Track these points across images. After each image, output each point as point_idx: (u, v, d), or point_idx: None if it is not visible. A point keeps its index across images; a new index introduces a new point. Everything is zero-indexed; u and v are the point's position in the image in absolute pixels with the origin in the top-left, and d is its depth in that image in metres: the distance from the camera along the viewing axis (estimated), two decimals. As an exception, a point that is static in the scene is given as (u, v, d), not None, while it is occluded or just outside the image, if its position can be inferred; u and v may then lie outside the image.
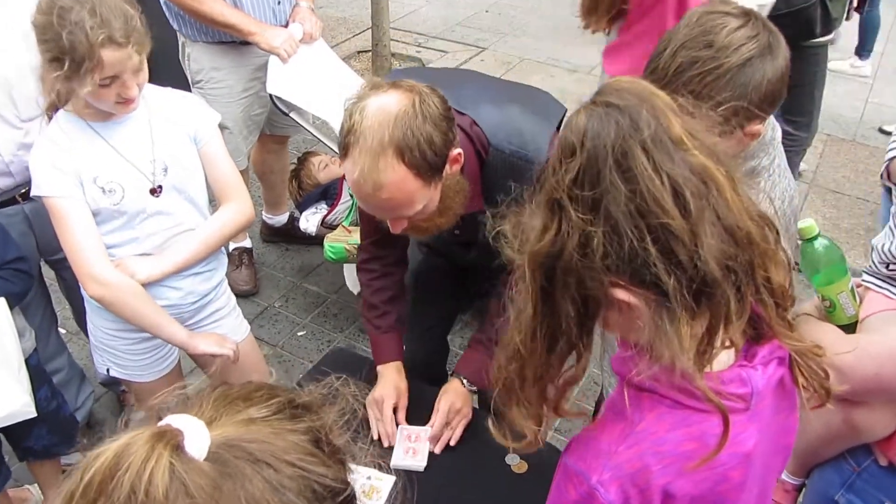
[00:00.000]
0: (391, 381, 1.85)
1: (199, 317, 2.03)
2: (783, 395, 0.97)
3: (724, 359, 0.91)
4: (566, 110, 1.64)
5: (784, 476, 1.66)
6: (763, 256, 0.86)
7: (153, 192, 1.80)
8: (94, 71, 1.57)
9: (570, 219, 0.82)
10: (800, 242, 1.39)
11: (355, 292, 3.14)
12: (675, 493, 0.89)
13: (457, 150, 1.44)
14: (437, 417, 1.75)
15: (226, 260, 2.09)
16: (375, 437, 1.76)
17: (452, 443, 1.75)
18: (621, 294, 0.83)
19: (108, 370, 2.03)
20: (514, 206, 0.92)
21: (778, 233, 0.89)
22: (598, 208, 0.81)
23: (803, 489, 1.65)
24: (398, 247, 1.91)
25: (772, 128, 1.39)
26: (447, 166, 1.42)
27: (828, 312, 1.48)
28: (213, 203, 2.00)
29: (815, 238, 1.43)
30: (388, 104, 1.34)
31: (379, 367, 1.89)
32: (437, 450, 1.73)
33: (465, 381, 1.83)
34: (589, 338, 0.90)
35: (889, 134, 3.62)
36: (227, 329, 2.08)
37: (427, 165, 1.36)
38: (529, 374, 0.91)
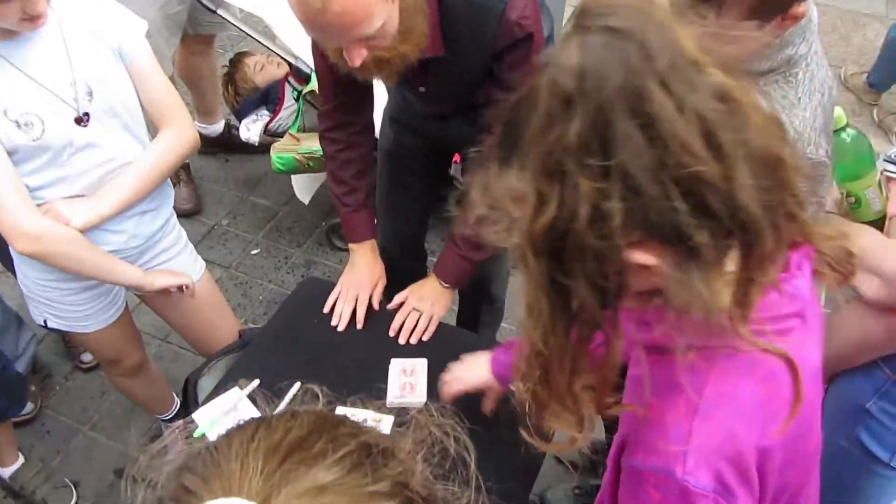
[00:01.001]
0: (366, 263, 1.80)
1: (145, 258, 1.80)
2: (813, 291, 0.87)
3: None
4: None
5: None
6: (791, 172, 0.73)
7: (78, 121, 1.52)
8: None
9: (578, 189, 0.66)
10: None
11: (306, 202, 2.93)
12: (769, 446, 0.79)
13: None
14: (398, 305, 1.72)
15: (172, 192, 1.84)
16: (334, 318, 1.71)
17: (425, 337, 1.70)
18: (640, 257, 0.69)
19: (45, 321, 1.81)
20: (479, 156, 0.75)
21: (782, 124, 0.78)
22: (612, 171, 0.66)
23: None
24: (364, 111, 1.78)
25: (810, 9, 1.22)
26: None
27: (851, 209, 1.37)
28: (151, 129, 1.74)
29: (843, 129, 1.30)
30: None
31: (351, 247, 1.83)
32: (401, 340, 1.69)
33: (441, 282, 1.78)
34: (617, 317, 0.75)
35: None
36: (180, 269, 1.86)
37: None
38: (557, 376, 0.78)
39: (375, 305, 1.75)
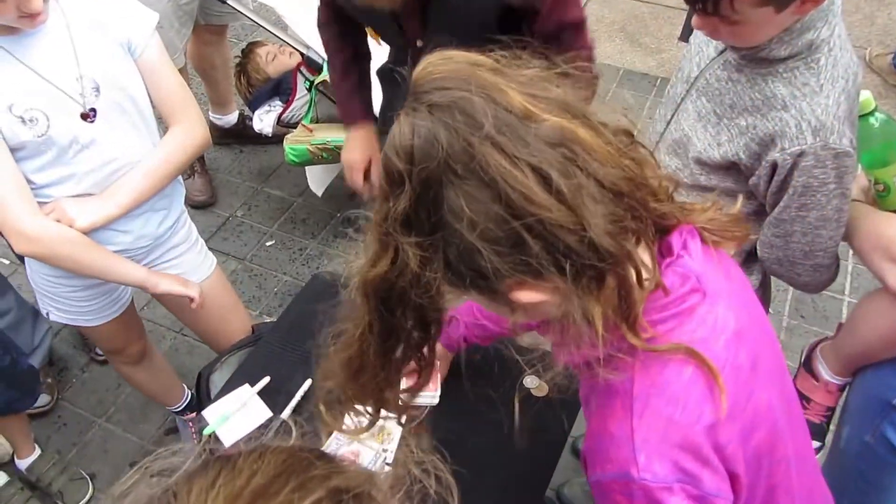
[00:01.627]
0: (359, 143, 1.87)
1: (153, 256, 1.78)
2: (718, 260, 0.88)
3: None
4: None
5: (826, 376, 1.56)
6: (646, 181, 0.78)
7: (85, 116, 1.49)
8: None
9: (404, 256, 0.74)
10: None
11: (319, 194, 2.92)
12: (713, 421, 0.79)
13: None
14: None
15: (183, 191, 1.81)
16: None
17: None
18: (526, 296, 0.75)
19: (48, 314, 1.81)
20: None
21: (632, 135, 0.80)
22: (440, 232, 0.72)
23: (846, 389, 1.56)
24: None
25: None
26: None
27: (878, 196, 1.32)
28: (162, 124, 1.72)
29: (871, 113, 1.26)
30: None
31: (348, 129, 1.90)
32: None
33: None
34: (432, 353, 0.86)
35: None
36: (189, 266, 1.84)
37: None
38: (366, 383, 0.89)
39: (374, 178, 1.87)
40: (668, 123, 1.41)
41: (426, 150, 0.70)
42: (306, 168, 2.88)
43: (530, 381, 1.54)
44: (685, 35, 3.63)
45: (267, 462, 0.51)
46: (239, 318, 1.99)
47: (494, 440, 1.47)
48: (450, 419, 1.50)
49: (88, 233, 1.56)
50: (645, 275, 0.77)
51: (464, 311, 1.43)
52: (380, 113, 2.02)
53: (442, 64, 0.74)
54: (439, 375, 1.55)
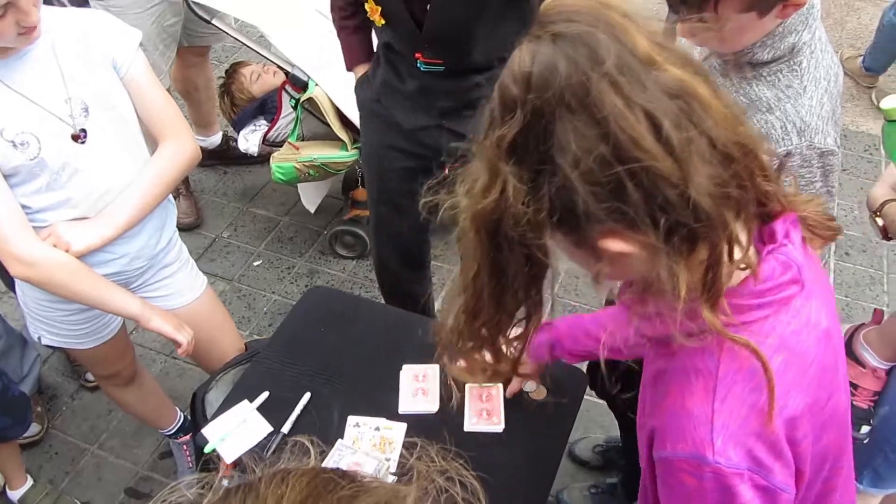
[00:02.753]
0: None
1: (146, 277, 1.77)
2: (809, 255, 0.88)
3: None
4: None
5: (874, 362, 1.60)
6: (757, 154, 0.76)
7: (76, 138, 1.49)
8: None
9: (510, 188, 0.72)
10: (884, 123, 1.25)
11: (312, 210, 2.92)
12: (795, 414, 0.79)
13: None
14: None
15: (174, 210, 1.81)
16: None
17: None
18: (613, 244, 0.73)
19: (39, 338, 1.79)
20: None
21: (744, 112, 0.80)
22: (546, 167, 0.71)
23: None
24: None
25: None
26: None
27: None
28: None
29: None
30: None
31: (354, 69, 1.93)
32: None
33: None
34: (539, 295, 0.82)
35: None
36: (180, 287, 1.83)
37: None
38: (481, 327, 0.85)
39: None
40: None
41: (544, 77, 0.69)
42: (299, 185, 2.89)
43: (528, 386, 1.55)
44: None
45: (291, 487, 0.50)
46: (230, 337, 1.97)
47: (494, 447, 1.48)
48: (448, 427, 1.50)
49: (85, 256, 1.55)
50: (737, 253, 0.74)
51: (563, 323, 1.40)
52: (363, 149, 2.04)
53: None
54: (438, 384, 1.56)
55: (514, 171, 0.71)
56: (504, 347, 0.89)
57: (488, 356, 0.90)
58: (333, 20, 1.93)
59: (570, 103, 0.68)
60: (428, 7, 1.54)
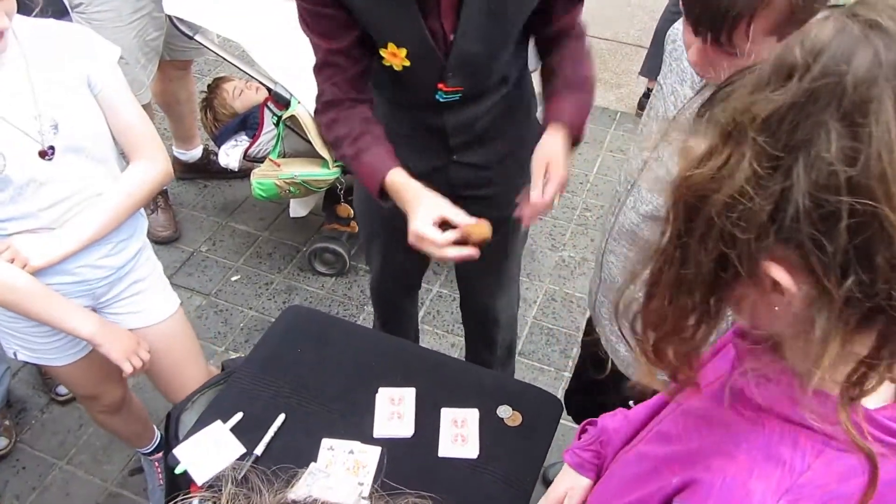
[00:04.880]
0: (417, 196, 1.41)
1: (114, 292, 1.75)
2: None
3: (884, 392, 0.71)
4: None
5: None
6: None
7: (43, 154, 1.48)
8: None
9: (745, 157, 0.60)
10: None
11: (300, 215, 2.90)
12: None
13: None
14: (534, 176, 1.42)
15: (145, 223, 1.79)
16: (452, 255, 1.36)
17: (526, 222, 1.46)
18: (777, 273, 0.61)
19: (15, 353, 1.75)
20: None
21: None
22: (787, 160, 0.58)
23: None
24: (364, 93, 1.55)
25: None
26: None
27: None
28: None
29: None
30: None
31: (387, 185, 1.45)
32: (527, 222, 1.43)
33: (564, 131, 1.46)
34: (718, 304, 0.68)
35: None
36: (149, 304, 1.81)
37: None
38: (655, 311, 0.72)
39: (458, 219, 1.37)
40: (646, 162, 1.44)
41: (835, 58, 0.57)
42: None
43: (503, 411, 1.56)
44: (646, 71, 3.74)
45: None
46: (195, 368, 1.94)
47: (468, 473, 1.48)
48: (423, 452, 1.50)
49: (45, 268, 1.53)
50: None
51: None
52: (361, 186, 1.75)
53: None
54: (414, 408, 1.55)
55: (757, 146, 0.59)
56: (674, 341, 0.73)
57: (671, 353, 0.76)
58: (339, 146, 1.55)
59: (842, 100, 0.57)
60: (452, 36, 1.44)
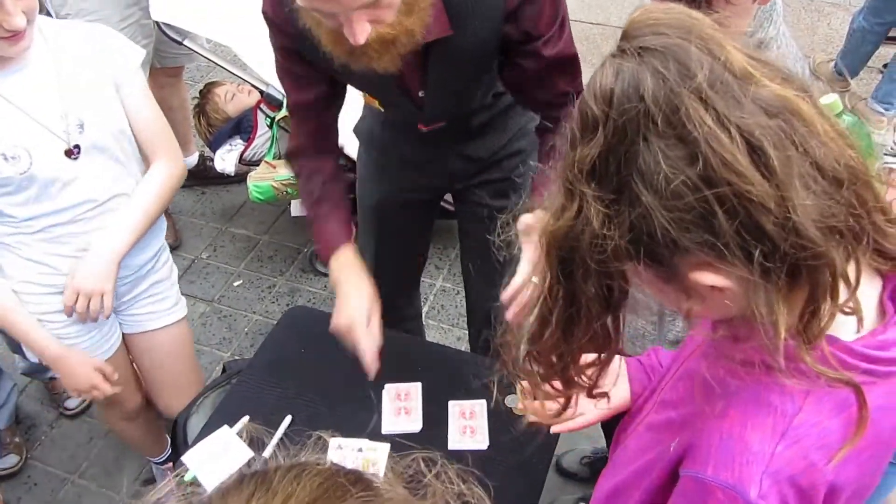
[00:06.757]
0: (352, 292, 1.48)
1: (136, 291, 1.76)
2: None
3: (871, 318, 0.73)
4: None
5: None
6: (870, 181, 0.67)
7: (69, 153, 1.49)
8: None
9: (587, 211, 0.67)
10: None
11: (303, 213, 2.88)
12: (841, 485, 0.75)
13: None
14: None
15: (164, 223, 1.81)
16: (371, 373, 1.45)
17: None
18: (709, 278, 0.66)
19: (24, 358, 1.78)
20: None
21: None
22: (626, 191, 0.65)
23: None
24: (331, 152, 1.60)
25: None
26: None
27: None
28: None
29: (838, 115, 1.29)
30: None
31: (330, 266, 1.52)
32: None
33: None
34: (615, 326, 0.76)
35: None
36: (161, 307, 1.81)
37: None
38: (548, 350, 0.79)
39: (375, 332, 1.47)
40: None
41: (628, 94, 0.63)
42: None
43: (512, 401, 1.54)
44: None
45: (302, 486, 0.49)
46: (197, 373, 1.95)
47: (479, 464, 1.46)
48: (432, 447, 1.48)
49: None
50: (843, 293, 0.67)
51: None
52: (359, 183, 1.87)
53: (662, 11, 0.66)
54: (421, 403, 1.53)
55: (593, 194, 0.66)
56: (576, 377, 0.83)
57: (558, 384, 0.85)
58: (302, 199, 1.62)
59: (655, 121, 0.63)
60: (422, 93, 1.44)
